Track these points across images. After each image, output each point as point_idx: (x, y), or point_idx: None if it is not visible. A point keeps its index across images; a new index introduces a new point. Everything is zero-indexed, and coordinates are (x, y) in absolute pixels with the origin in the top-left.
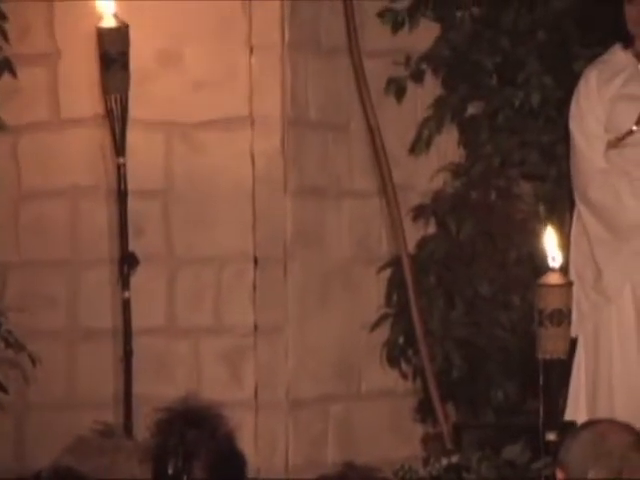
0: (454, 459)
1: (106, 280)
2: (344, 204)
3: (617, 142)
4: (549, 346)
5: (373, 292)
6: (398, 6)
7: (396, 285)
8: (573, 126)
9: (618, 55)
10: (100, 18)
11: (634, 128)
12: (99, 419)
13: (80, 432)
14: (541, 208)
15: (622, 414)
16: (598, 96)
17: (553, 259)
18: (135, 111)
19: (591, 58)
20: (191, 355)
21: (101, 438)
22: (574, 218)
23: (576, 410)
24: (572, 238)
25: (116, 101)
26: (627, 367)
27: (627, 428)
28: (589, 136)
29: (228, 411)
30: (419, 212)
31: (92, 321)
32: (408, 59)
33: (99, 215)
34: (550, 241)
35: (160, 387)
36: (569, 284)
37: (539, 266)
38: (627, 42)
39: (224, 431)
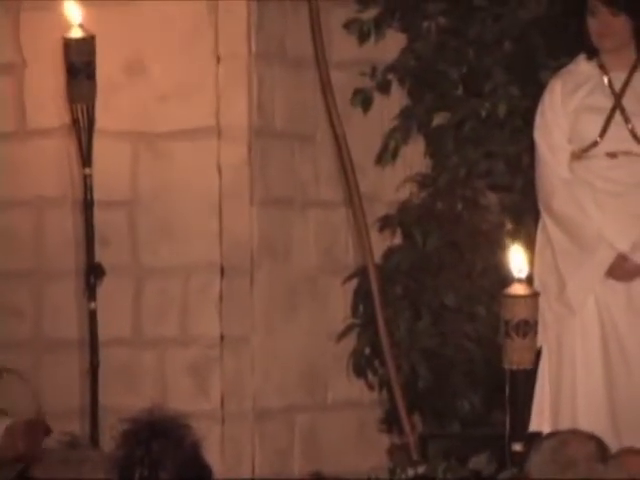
0: (420, 470)
1: (72, 291)
2: (310, 214)
3: (581, 153)
4: (515, 357)
5: (339, 303)
6: (364, 17)
7: (362, 296)
8: (538, 137)
9: (582, 66)
10: (66, 28)
11: (598, 140)
12: (65, 430)
13: (46, 443)
14: (507, 219)
15: (584, 425)
16: (562, 107)
17: (519, 270)
18: (101, 121)
19: (557, 68)
20: (157, 366)
21: (67, 449)
22: (538, 229)
23: (540, 420)
24: (536, 249)
25: (82, 111)
26: (590, 378)
27: (591, 438)
28: (553, 147)
29: (194, 422)
30: (385, 222)
31: (58, 332)
32: (374, 70)
33: (65, 226)
34: (516, 252)
35: (126, 398)
36: (535, 295)
37: (505, 277)
38: (591, 53)
39: (190, 442)
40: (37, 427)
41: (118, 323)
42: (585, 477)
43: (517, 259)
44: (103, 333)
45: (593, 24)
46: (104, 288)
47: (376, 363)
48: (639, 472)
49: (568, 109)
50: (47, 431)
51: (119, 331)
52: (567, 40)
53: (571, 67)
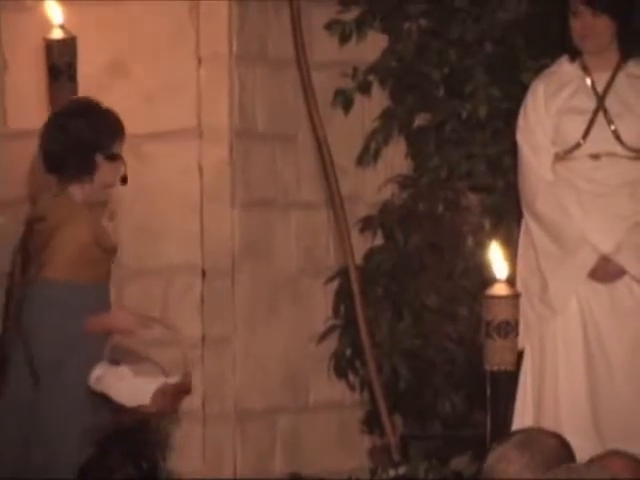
0: (401, 470)
1: None
2: (291, 215)
3: (564, 155)
4: (496, 358)
5: (320, 304)
6: (345, 18)
7: (343, 296)
8: (520, 138)
9: (565, 67)
10: (48, 30)
11: (581, 141)
12: None
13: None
14: (488, 220)
15: (567, 425)
16: (545, 108)
17: (500, 271)
18: None
19: (538, 69)
20: None
21: None
22: (521, 230)
23: (523, 421)
24: (519, 250)
25: None
26: (572, 378)
27: (554, 435)
28: (536, 148)
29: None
30: (366, 223)
31: None
32: (355, 71)
33: None
34: (497, 253)
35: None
36: (516, 296)
37: (487, 278)
38: (573, 54)
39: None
40: (183, 389)
41: None
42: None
43: (498, 260)
44: None
45: (575, 25)
46: None
47: (357, 364)
48: (624, 474)
49: (551, 110)
50: (188, 392)
51: None
52: (548, 41)
53: (554, 68)
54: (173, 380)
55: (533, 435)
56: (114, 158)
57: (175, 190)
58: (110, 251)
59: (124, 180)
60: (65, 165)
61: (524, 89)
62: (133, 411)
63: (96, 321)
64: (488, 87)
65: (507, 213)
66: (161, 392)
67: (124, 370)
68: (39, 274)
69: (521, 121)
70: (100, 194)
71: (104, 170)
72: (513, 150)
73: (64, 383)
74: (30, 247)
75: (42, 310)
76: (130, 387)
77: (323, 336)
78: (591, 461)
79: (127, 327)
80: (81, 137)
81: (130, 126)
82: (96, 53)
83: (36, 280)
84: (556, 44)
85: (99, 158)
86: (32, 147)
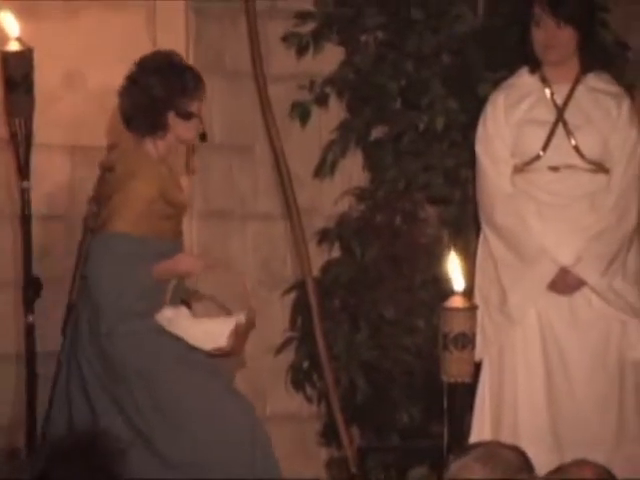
0: None
1: (10, 304)
2: (249, 227)
3: (524, 167)
4: (453, 370)
5: (278, 316)
6: (302, 30)
7: (301, 309)
8: (479, 149)
9: (525, 79)
10: (4, 42)
11: (540, 153)
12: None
13: None
14: (446, 232)
15: (526, 435)
16: (505, 119)
17: (458, 283)
18: (40, 135)
19: (495, 81)
20: None
21: (6, 461)
22: (479, 241)
23: (481, 433)
24: (477, 261)
25: (20, 125)
26: (531, 390)
27: (513, 448)
28: (496, 160)
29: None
30: (324, 235)
31: None
32: (312, 83)
33: (4, 239)
34: (454, 265)
35: None
36: (473, 308)
37: (444, 290)
38: (534, 66)
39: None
40: (250, 326)
41: (56, 336)
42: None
43: (456, 272)
44: (41, 346)
45: (538, 35)
46: (42, 301)
47: (314, 376)
48: None
49: (510, 122)
50: (254, 327)
51: (57, 344)
52: (505, 53)
53: (514, 80)
54: (242, 319)
55: (493, 448)
56: (188, 116)
57: None
58: (178, 206)
59: (203, 137)
60: (137, 121)
61: (481, 101)
62: (209, 353)
63: (160, 267)
64: (445, 99)
65: (465, 225)
66: (234, 332)
67: (196, 312)
68: (105, 224)
69: (480, 132)
70: (176, 148)
71: (177, 128)
72: (470, 162)
73: (132, 330)
74: (100, 195)
75: (103, 261)
76: (206, 329)
77: (280, 348)
78: (559, 470)
79: (191, 269)
80: (153, 95)
81: (87, 138)
82: (53, 65)
83: (101, 230)
84: (513, 56)
85: (171, 116)
86: None
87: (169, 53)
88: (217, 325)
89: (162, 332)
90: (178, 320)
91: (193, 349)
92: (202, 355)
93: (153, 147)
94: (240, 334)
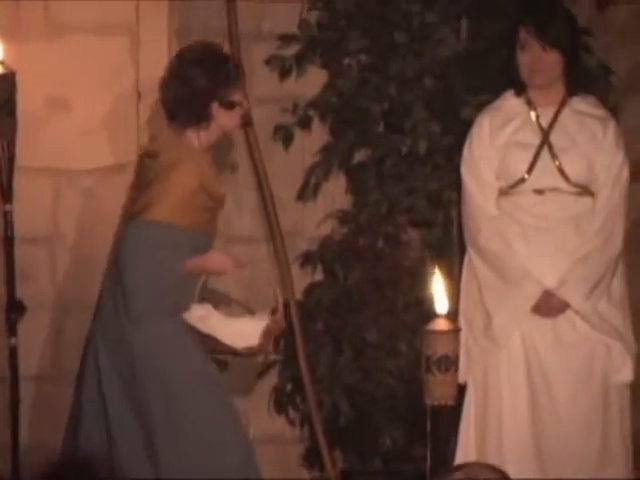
0: None
1: None
2: (232, 249)
3: (509, 189)
4: (436, 392)
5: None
6: (286, 53)
7: (284, 331)
8: (465, 172)
9: (510, 101)
10: None
11: (525, 176)
12: None
13: None
14: (428, 254)
15: (510, 457)
16: (490, 142)
17: (441, 305)
18: (23, 157)
19: (478, 105)
20: None
21: None
22: (464, 264)
23: (466, 454)
24: (462, 284)
25: (3, 148)
26: (516, 413)
27: (496, 470)
28: (481, 182)
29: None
30: (307, 258)
31: None
32: (295, 106)
33: None
34: (438, 287)
35: (48, 434)
36: (456, 330)
37: (427, 312)
38: (519, 89)
39: None
40: (279, 327)
41: (39, 359)
42: None
43: (439, 295)
44: (24, 368)
45: (524, 59)
46: (25, 323)
47: (297, 399)
48: None
49: (496, 144)
50: (282, 330)
51: (40, 367)
52: (487, 77)
53: (499, 102)
54: (272, 320)
55: (474, 470)
56: (231, 106)
57: (115, 224)
58: (217, 199)
59: (245, 125)
60: (181, 113)
61: (464, 124)
62: (238, 352)
63: (192, 263)
64: (428, 122)
65: (447, 248)
66: (265, 332)
67: (229, 312)
68: (143, 211)
69: (466, 154)
70: (217, 139)
71: (221, 118)
72: (453, 185)
73: (159, 321)
74: (140, 182)
75: (139, 247)
76: (238, 328)
77: (263, 371)
78: None
79: (222, 268)
80: (196, 87)
81: (70, 161)
82: (36, 88)
83: (140, 215)
84: (495, 80)
85: (215, 106)
86: None
87: (208, 44)
88: (249, 324)
89: (188, 335)
90: (210, 319)
91: (211, 362)
92: (217, 371)
93: (196, 137)
94: (268, 335)
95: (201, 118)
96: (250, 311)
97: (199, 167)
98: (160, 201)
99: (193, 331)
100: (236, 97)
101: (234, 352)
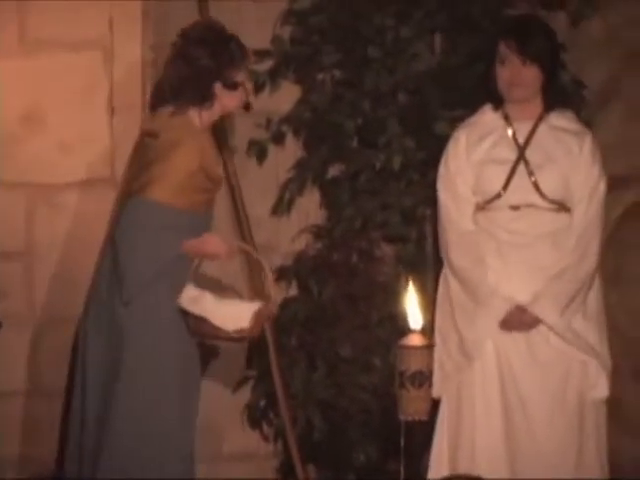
0: None
1: None
2: (207, 263)
3: (484, 205)
4: (410, 408)
5: (235, 353)
6: (259, 68)
7: (257, 347)
8: (441, 187)
9: (487, 116)
10: None
11: (501, 192)
12: None
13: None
14: (402, 270)
15: (483, 472)
16: (466, 158)
17: (414, 321)
18: None
19: (452, 120)
20: (56, 416)
21: None
22: (440, 279)
23: (439, 469)
24: (437, 299)
25: None
26: (489, 427)
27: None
28: (457, 198)
29: None
30: (281, 273)
31: None
32: (269, 121)
33: None
34: (411, 303)
35: (24, 449)
36: (430, 346)
37: (401, 328)
38: (496, 103)
39: None
40: (270, 313)
41: (15, 374)
42: None
43: (412, 310)
44: (0, 384)
45: (503, 73)
46: (1, 339)
47: (271, 414)
48: None
49: (472, 160)
50: (273, 316)
51: (16, 382)
52: (461, 92)
53: (476, 118)
54: (263, 304)
55: None
56: (234, 87)
57: (90, 239)
58: (216, 180)
59: (247, 107)
60: (183, 93)
61: (438, 139)
62: (229, 336)
63: (189, 244)
64: (402, 138)
65: (421, 263)
66: (256, 315)
67: (221, 295)
68: (142, 190)
69: (442, 170)
70: (218, 118)
71: (223, 98)
72: (427, 201)
73: (152, 302)
74: (139, 160)
75: (136, 227)
76: (230, 311)
77: (237, 386)
78: None
79: (217, 251)
80: (199, 66)
81: (45, 176)
82: (11, 104)
83: (138, 194)
84: (470, 95)
85: (218, 87)
86: None
87: (212, 23)
88: (241, 307)
89: (177, 325)
90: (202, 300)
91: (193, 357)
92: (197, 366)
93: (198, 117)
94: (259, 319)
95: (205, 98)
96: (240, 297)
97: (200, 146)
98: (160, 181)
99: (182, 321)
100: (239, 78)
101: (225, 337)
